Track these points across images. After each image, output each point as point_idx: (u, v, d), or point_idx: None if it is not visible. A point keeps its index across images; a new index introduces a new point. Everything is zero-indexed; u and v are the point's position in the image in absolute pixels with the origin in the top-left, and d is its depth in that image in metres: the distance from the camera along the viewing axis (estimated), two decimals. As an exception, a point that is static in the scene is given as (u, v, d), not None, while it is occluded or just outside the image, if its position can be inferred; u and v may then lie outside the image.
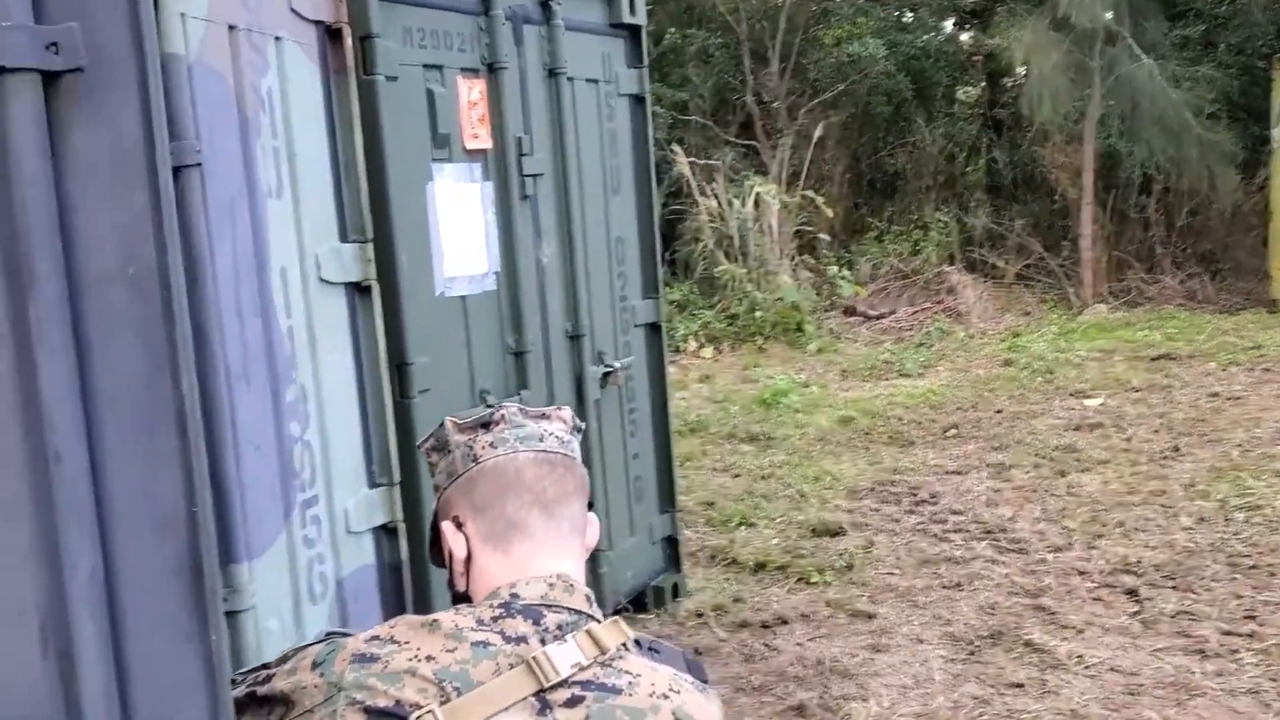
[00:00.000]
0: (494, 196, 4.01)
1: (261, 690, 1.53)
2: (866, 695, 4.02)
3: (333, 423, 3.06)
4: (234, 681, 1.58)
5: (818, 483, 6.62)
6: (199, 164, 2.57)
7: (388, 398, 3.27)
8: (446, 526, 1.65)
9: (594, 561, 4.53)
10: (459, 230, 3.84)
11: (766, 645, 4.52)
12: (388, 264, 3.39)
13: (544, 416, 1.72)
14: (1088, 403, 8.07)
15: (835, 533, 5.75)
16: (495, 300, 4.03)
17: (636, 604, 4.82)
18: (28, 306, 1.40)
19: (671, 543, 5.11)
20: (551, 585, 1.57)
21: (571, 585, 1.58)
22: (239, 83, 2.78)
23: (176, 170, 2.55)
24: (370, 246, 3.24)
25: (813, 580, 5.15)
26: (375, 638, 1.52)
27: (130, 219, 1.41)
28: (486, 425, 1.69)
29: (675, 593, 5.03)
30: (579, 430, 1.76)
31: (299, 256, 2.98)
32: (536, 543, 1.61)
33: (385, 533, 3.26)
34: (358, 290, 3.22)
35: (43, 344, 1.41)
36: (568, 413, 1.75)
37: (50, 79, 1.39)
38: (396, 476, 3.27)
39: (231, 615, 2.63)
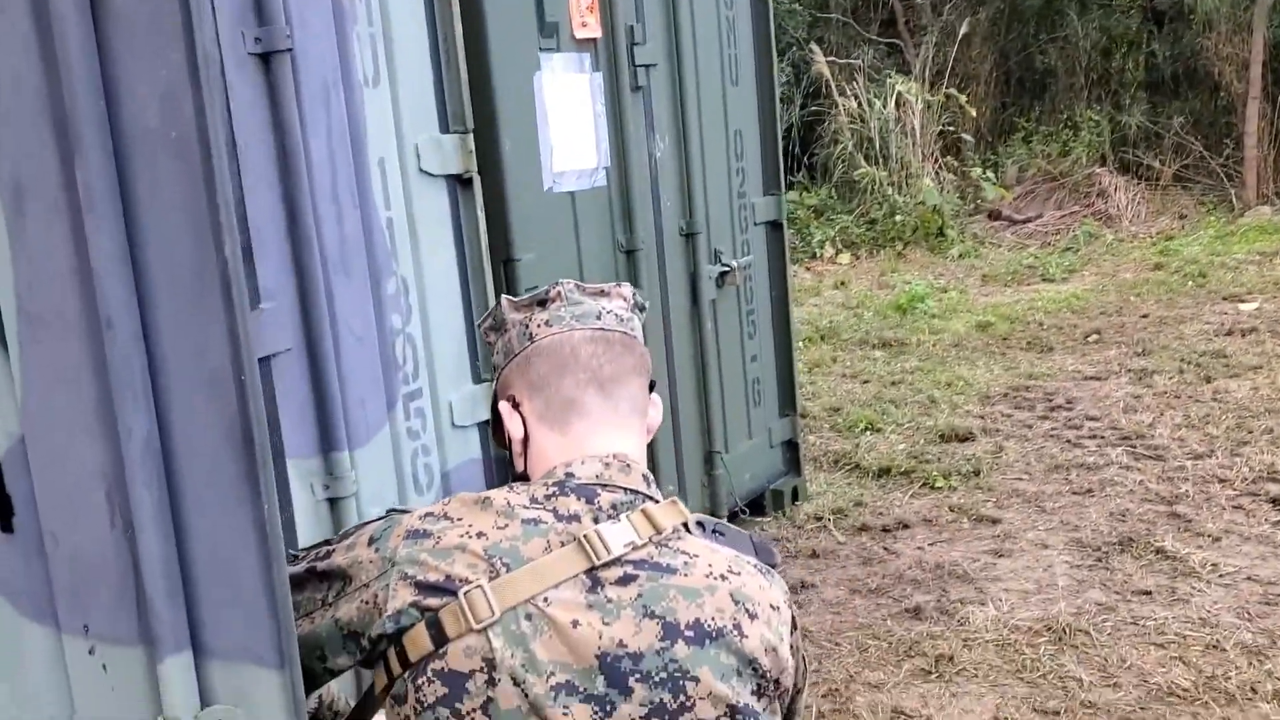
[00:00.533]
0: (604, 88, 3.91)
1: (321, 565, 1.52)
2: (985, 599, 3.90)
3: (435, 317, 3.04)
4: (295, 557, 1.57)
5: (949, 388, 6.43)
6: (289, 49, 2.55)
7: (490, 294, 3.23)
8: (503, 406, 1.60)
9: (708, 464, 4.49)
10: (567, 123, 3.76)
11: (885, 549, 4.42)
12: (492, 157, 3.33)
13: (602, 293, 1.65)
14: (1242, 307, 7.62)
15: (964, 438, 5.58)
16: (605, 196, 3.95)
17: (754, 507, 4.77)
18: (75, 170, 1.39)
19: (791, 447, 5.02)
20: (607, 464, 1.51)
21: (628, 465, 1.52)
22: (334, -32, 2.73)
23: (266, 56, 2.53)
24: (471, 138, 3.19)
25: (937, 485, 5.01)
26: (429, 514, 1.49)
27: (169, 78, 1.37)
28: (543, 303, 1.63)
29: (795, 497, 4.95)
30: (641, 308, 1.69)
31: (397, 147, 2.94)
32: (593, 421, 1.55)
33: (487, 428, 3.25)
34: (459, 183, 3.18)
35: (92, 209, 1.40)
36: (628, 289, 1.68)
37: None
38: (500, 371, 3.25)
39: (334, 502, 2.66)
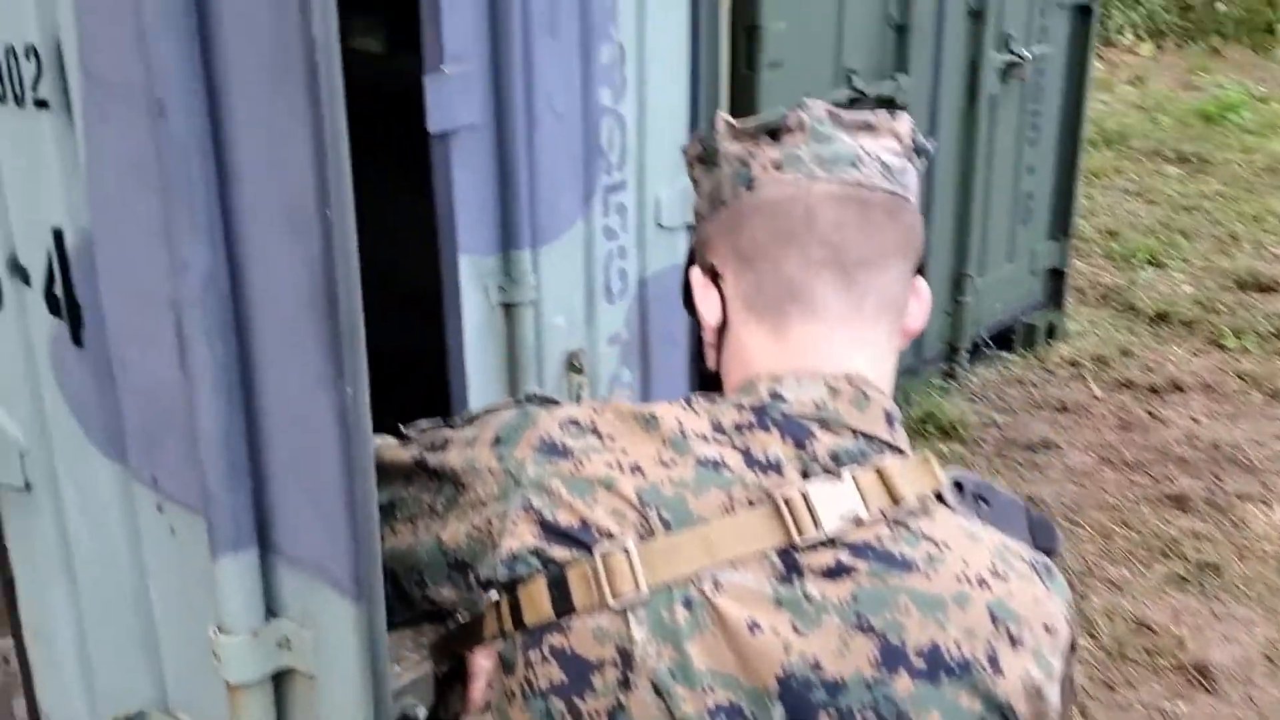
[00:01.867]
0: None
1: (433, 460, 1.15)
2: (1270, 498, 3.33)
3: (655, 94, 2.59)
4: (405, 439, 1.21)
5: (1257, 223, 5.56)
6: None
7: (725, 68, 2.74)
8: (696, 275, 1.17)
9: (956, 288, 3.96)
10: None
11: (1151, 414, 3.85)
12: (748, -98, 2.78)
13: (866, 127, 1.17)
14: None
15: (1267, 288, 4.81)
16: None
17: (1001, 341, 4.23)
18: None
19: (1056, 275, 4.42)
20: (835, 390, 1.07)
21: (865, 393, 1.08)
22: None
23: None
24: (727, -124, 2.63)
25: (1226, 344, 4.33)
26: (574, 422, 1.10)
27: None
28: (775, 132, 1.16)
29: (1050, 333, 4.38)
30: (922, 152, 1.19)
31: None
32: (823, 321, 1.11)
33: (705, 231, 2.83)
34: (714, -69, 2.66)
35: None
36: (906, 124, 1.18)
37: None
38: (725, 165, 2.79)
39: (509, 308, 2.33)
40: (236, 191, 1.06)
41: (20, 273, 1.38)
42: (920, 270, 1.18)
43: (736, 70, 2.91)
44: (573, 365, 2.48)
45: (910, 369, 3.82)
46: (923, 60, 3.56)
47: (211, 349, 1.09)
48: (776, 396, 1.07)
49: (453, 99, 2.14)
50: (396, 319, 2.43)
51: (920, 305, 1.17)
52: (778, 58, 3.02)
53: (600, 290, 2.55)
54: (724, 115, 1.21)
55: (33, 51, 1.24)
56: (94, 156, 1.21)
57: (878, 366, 1.12)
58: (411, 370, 2.39)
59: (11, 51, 1.27)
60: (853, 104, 3.27)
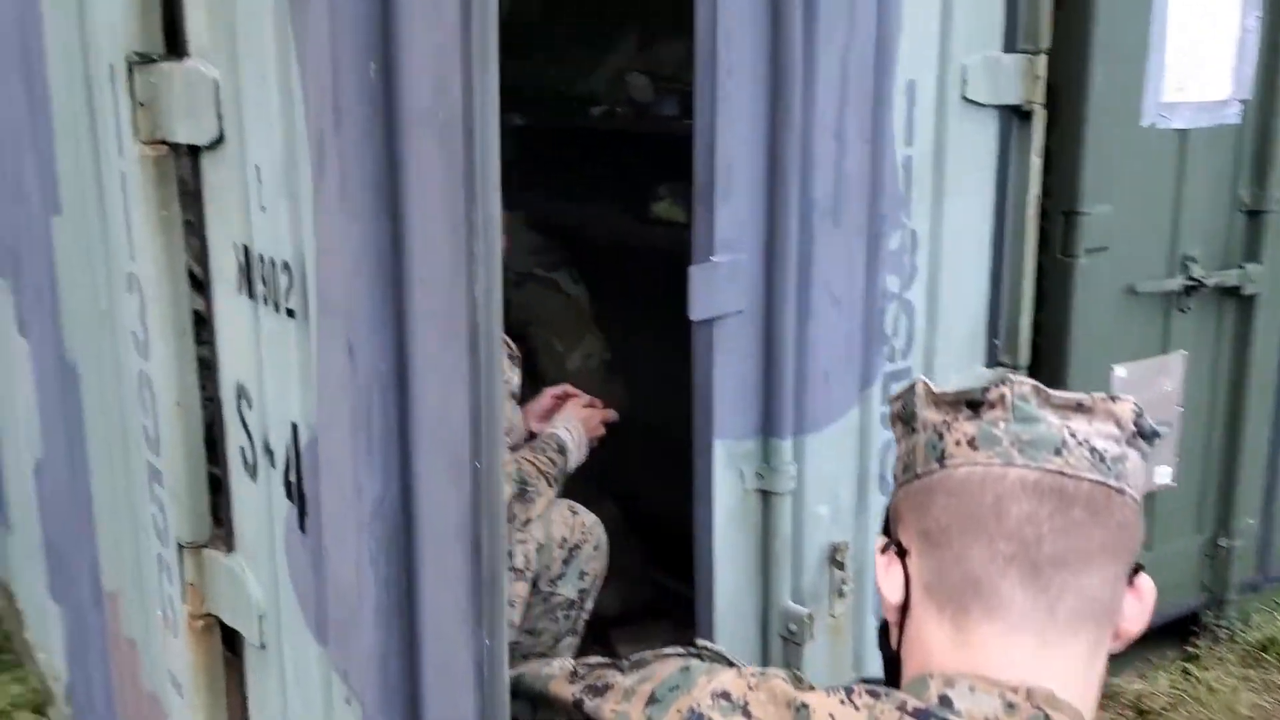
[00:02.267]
0: (1262, -1, 3.00)
1: (589, 705, 1.16)
2: None
3: (948, 280, 2.53)
4: (574, 674, 1.22)
5: None
6: (804, -57, 2.09)
7: (1030, 254, 2.62)
8: (880, 546, 1.12)
9: (1225, 529, 3.38)
10: (1195, 42, 2.93)
11: None
12: (1071, 82, 2.69)
13: (1079, 408, 1.08)
14: None
15: None
16: (1233, 137, 3.08)
17: None
18: (327, 150, 1.09)
19: None
20: (1011, 706, 0.99)
21: (1047, 717, 0.98)
22: None
23: (776, -45, 2.10)
24: (1042, 59, 2.56)
25: None
26: (726, 695, 1.07)
27: (441, 43, 1.00)
28: (975, 405, 1.09)
29: None
30: (1148, 436, 1.08)
31: (938, 67, 2.42)
32: (1007, 623, 1.02)
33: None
34: (1015, 115, 2.57)
35: (345, 195, 1.09)
36: (1127, 408, 1.08)
37: None
38: (1025, 358, 2.66)
39: (765, 495, 2.30)
40: (414, 428, 1.12)
41: (269, 454, 1.52)
42: (1137, 571, 1.06)
43: (1050, 255, 2.76)
44: (835, 559, 2.40)
45: (1251, 584, 3.42)
46: (1278, 247, 3.24)
47: (375, 568, 1.15)
48: (946, 702, 0.99)
49: (720, 287, 2.16)
50: (675, 475, 2.47)
51: (1141, 607, 1.06)
52: (1099, 243, 2.84)
53: (874, 481, 2.47)
54: (925, 380, 1.15)
55: (286, 266, 1.37)
56: (321, 368, 1.32)
57: (1072, 682, 1.01)
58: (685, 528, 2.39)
59: (274, 262, 1.41)
60: (1188, 292, 3.02)
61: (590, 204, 3.61)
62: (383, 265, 1.08)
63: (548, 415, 2.48)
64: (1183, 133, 2.96)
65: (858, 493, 2.44)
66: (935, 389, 1.13)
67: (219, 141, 1.48)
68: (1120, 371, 2.95)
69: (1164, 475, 3.16)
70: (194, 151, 1.56)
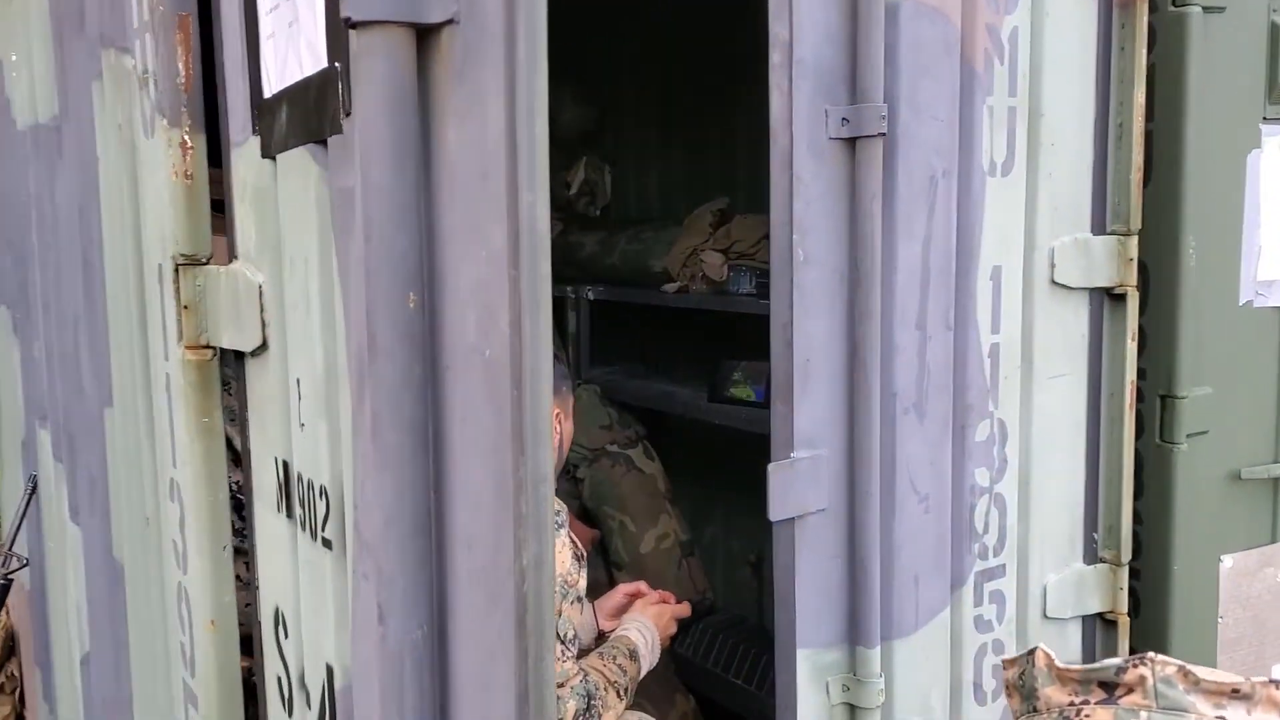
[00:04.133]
0: (1355, 171, 2.80)
1: None
2: None
3: (1040, 472, 2.31)
4: None
5: None
6: (883, 134, 1.95)
7: (1128, 441, 2.39)
8: None
9: None
10: (1290, 216, 2.74)
11: None
12: (1164, 262, 2.50)
13: (1235, 695, 0.87)
14: None
15: None
16: (1334, 314, 2.85)
17: None
18: (365, 396, 0.94)
19: None
20: None
21: None
22: (968, 23, 2.09)
23: (852, 141, 1.96)
24: (1135, 241, 2.37)
25: None
26: None
27: (486, 268, 0.85)
28: (1110, 686, 0.88)
29: None
30: None
31: (1024, 252, 2.25)
32: None
33: (1101, 623, 2.44)
34: (1107, 297, 2.38)
35: (379, 441, 0.93)
36: None
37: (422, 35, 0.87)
38: (1127, 553, 2.41)
39: (854, 709, 2.06)
40: (452, 706, 0.94)
41: (305, 691, 1.34)
42: None
43: (1148, 442, 2.54)
44: (926, 776, 2.14)
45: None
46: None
47: None
48: None
49: (800, 486, 1.98)
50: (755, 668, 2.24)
51: None
52: (1200, 427, 2.61)
53: (968, 690, 2.22)
54: (1045, 649, 0.95)
55: (324, 492, 1.22)
56: (357, 614, 1.15)
57: None
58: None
59: (312, 485, 1.26)
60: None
61: (665, 380, 3.48)
62: (418, 520, 0.92)
63: (619, 613, 2.28)
64: (1282, 310, 2.75)
65: (951, 703, 2.20)
66: (1059, 662, 0.92)
67: (262, 348, 1.35)
68: (1228, 562, 2.69)
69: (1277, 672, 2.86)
70: (239, 358, 1.43)
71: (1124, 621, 2.42)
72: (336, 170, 1.04)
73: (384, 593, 0.94)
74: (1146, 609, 2.54)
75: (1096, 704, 0.88)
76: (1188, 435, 2.58)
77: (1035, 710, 0.93)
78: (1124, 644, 2.43)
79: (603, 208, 4.11)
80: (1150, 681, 0.87)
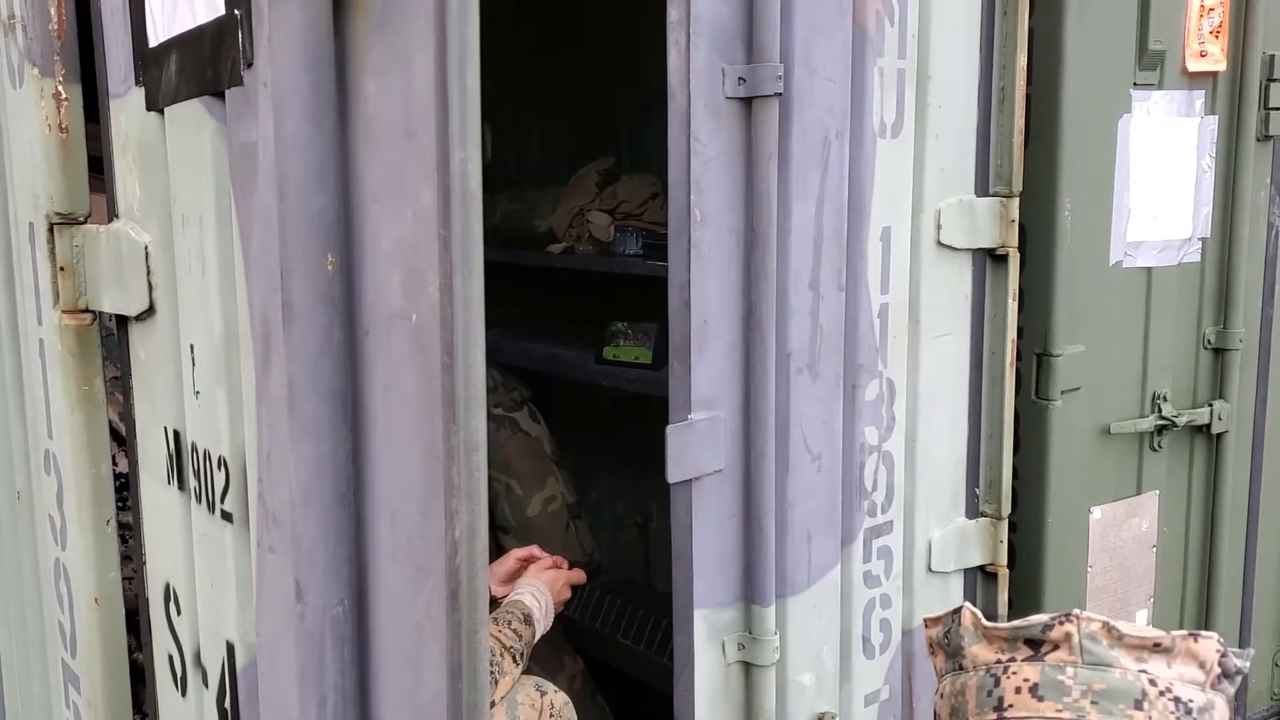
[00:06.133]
0: (1216, 136, 2.92)
1: None
2: None
3: (926, 430, 2.37)
4: None
5: None
6: (779, 94, 1.95)
7: (1008, 398, 2.46)
8: None
9: None
10: (1157, 182, 2.85)
11: None
12: (1041, 224, 2.57)
13: (1156, 648, 0.89)
14: None
15: None
16: (1196, 275, 2.99)
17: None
18: (273, 347, 0.89)
19: None
20: None
21: None
22: (859, -15, 2.09)
23: (749, 100, 1.95)
24: (1015, 203, 2.43)
25: None
26: None
27: (413, 228, 0.81)
28: (1036, 644, 0.90)
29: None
30: (1233, 676, 0.90)
31: (912, 214, 2.28)
32: None
33: (982, 576, 2.52)
34: (990, 258, 2.44)
35: (296, 411, 0.89)
36: (1209, 645, 0.90)
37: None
38: (1007, 507, 2.49)
39: (748, 667, 2.08)
40: (376, 688, 0.91)
41: (201, 670, 1.29)
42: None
43: (1024, 399, 2.62)
44: (821, 730, 2.18)
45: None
46: (1247, 384, 3.14)
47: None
48: None
49: (698, 447, 1.97)
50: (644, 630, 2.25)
51: None
52: (1073, 384, 2.70)
53: (857, 644, 2.27)
54: (971, 609, 0.96)
55: (223, 462, 1.16)
56: (263, 589, 1.10)
57: None
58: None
59: (208, 455, 1.20)
60: (1160, 431, 2.89)
61: (551, 342, 3.45)
62: (340, 493, 0.88)
63: (511, 578, 2.26)
64: (1148, 270, 2.86)
65: (841, 658, 2.24)
66: (985, 621, 0.94)
67: (149, 312, 1.28)
68: (1097, 513, 2.80)
69: (1140, 618, 3.01)
70: (122, 322, 1.35)
71: (1003, 573, 2.50)
72: (236, 124, 0.98)
73: (302, 568, 0.90)
74: (1022, 560, 2.63)
75: (1023, 660, 0.90)
76: (1062, 392, 2.67)
77: (961, 668, 0.94)
78: (1003, 595, 2.51)
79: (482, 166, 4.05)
80: (1076, 638, 0.89)
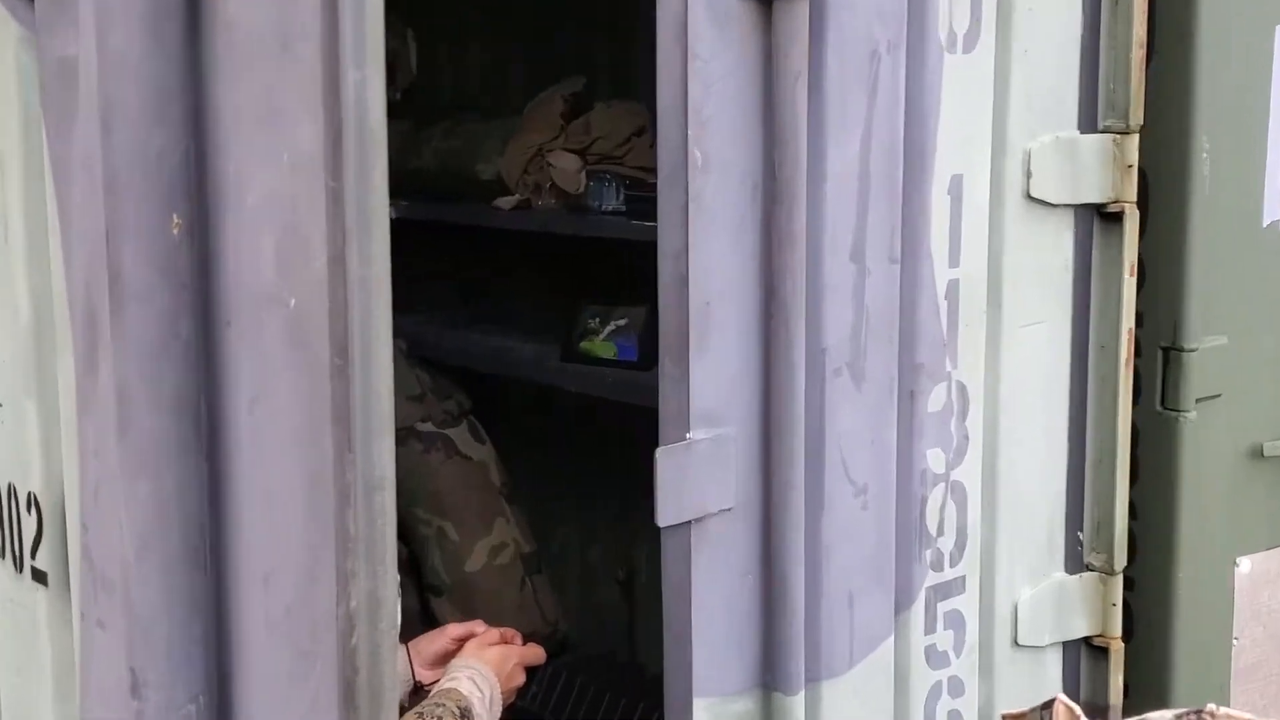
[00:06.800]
0: None
1: None
2: None
3: (1011, 453, 2.41)
4: None
5: None
6: (809, -6, 1.98)
7: (1124, 409, 2.50)
8: None
9: None
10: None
11: None
12: (1169, 171, 2.58)
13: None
14: None
15: None
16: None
17: None
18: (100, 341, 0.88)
19: None
20: None
21: None
22: None
23: (769, 3, 1.98)
24: (1134, 141, 2.44)
25: None
26: None
27: (290, 178, 0.80)
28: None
29: None
30: None
31: (992, 157, 2.31)
32: None
33: (1087, 651, 2.57)
34: (1098, 216, 2.49)
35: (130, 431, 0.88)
36: None
37: None
38: (1122, 559, 2.51)
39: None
40: None
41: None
42: None
43: (1145, 409, 2.63)
44: None
45: None
46: None
47: None
48: None
49: (698, 477, 1.99)
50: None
51: None
52: (1212, 389, 2.71)
53: (919, 746, 2.31)
54: (1066, 702, 0.97)
55: (34, 503, 1.15)
56: (89, 673, 1.09)
57: None
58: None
59: (13, 494, 1.19)
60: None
61: (498, 332, 3.48)
62: (191, 547, 0.86)
63: (444, 660, 2.27)
64: (1317, 235, 2.89)
65: (896, 769, 2.28)
66: (1083, 716, 0.95)
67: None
68: (1245, 565, 2.83)
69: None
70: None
71: (1117, 647, 2.53)
72: (50, 33, 0.97)
73: (140, 650, 0.87)
74: (1142, 631, 2.65)
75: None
76: (1197, 400, 2.69)
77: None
78: (1115, 679, 2.54)
79: (404, 89, 4.04)
80: (1212, 733, 0.89)
